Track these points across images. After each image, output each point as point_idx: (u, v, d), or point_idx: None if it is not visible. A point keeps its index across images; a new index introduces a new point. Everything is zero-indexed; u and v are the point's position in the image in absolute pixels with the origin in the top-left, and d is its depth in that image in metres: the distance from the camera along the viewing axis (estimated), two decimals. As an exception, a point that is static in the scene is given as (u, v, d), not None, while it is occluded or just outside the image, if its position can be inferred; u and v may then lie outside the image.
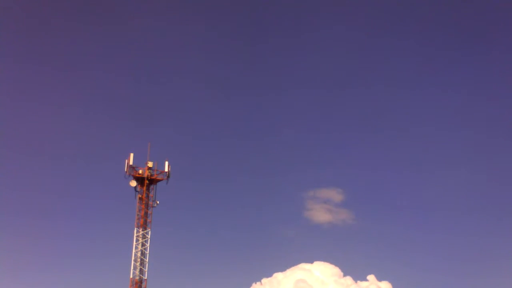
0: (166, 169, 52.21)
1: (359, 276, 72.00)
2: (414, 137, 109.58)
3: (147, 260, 49.49)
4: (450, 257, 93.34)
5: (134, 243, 49.56)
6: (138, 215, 50.41)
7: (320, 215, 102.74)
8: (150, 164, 51.78)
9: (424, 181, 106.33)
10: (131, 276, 48.65)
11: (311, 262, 72.77)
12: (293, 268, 72.26)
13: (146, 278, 49.04)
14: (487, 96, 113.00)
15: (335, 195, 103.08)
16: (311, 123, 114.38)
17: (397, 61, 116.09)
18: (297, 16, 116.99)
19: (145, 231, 50.08)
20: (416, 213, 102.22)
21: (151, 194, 51.43)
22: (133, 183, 50.85)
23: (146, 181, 51.22)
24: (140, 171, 51.47)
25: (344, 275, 71.23)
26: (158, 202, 51.49)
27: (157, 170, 52.04)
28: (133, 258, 49.06)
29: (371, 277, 70.54)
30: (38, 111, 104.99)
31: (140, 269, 49.17)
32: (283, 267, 73.99)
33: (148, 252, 49.62)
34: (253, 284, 71.82)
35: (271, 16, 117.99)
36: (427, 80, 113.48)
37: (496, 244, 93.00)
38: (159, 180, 51.91)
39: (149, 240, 49.93)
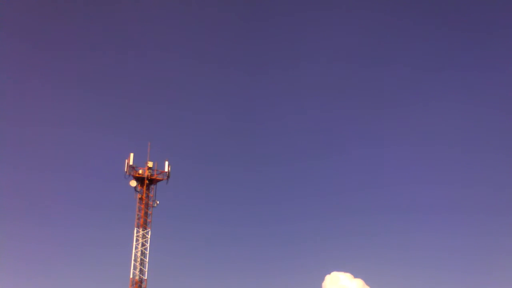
0: (166, 169, 52.18)
1: None
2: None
3: (147, 260, 49.48)
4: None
5: (134, 243, 49.53)
6: (138, 215, 50.40)
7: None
8: (150, 164, 51.76)
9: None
10: (131, 276, 48.62)
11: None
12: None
13: (146, 278, 49.03)
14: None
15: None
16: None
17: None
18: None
19: (145, 231, 50.06)
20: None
21: (151, 194, 51.44)
22: (133, 183, 50.83)
23: (146, 181, 51.20)
24: (140, 171, 51.45)
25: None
26: (158, 202, 51.50)
27: (157, 170, 52.08)
28: (133, 258, 49.03)
29: None
30: (38, 111, 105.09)
31: (140, 269, 49.15)
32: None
33: (148, 252, 49.62)
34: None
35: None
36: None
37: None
38: (159, 180, 51.88)
39: (149, 240, 49.94)
